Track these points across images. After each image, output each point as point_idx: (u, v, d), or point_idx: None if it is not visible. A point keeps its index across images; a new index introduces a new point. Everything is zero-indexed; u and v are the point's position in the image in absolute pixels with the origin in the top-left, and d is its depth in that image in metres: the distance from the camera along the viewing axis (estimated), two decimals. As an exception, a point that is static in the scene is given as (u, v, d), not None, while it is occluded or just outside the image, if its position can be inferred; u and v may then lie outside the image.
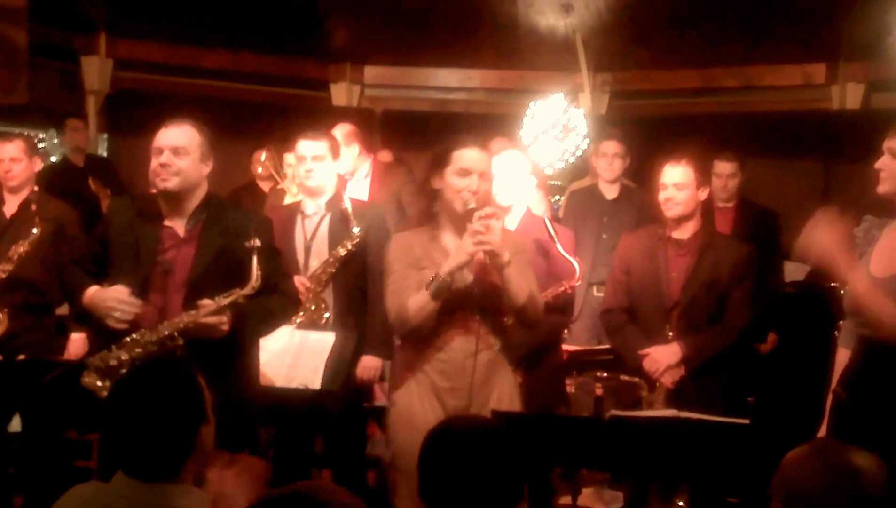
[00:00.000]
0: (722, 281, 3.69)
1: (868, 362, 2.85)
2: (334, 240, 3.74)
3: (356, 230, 3.68)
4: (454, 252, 2.93)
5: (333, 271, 3.72)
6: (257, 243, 2.89)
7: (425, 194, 3.05)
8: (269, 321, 3.08)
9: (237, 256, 2.93)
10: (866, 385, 2.86)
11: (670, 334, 3.70)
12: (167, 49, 6.45)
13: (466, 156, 2.99)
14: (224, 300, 2.85)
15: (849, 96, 6.22)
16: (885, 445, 2.63)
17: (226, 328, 2.87)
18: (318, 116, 6.40)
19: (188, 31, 6.25)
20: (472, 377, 2.98)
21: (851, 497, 1.86)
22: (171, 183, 2.96)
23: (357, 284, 3.71)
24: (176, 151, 2.96)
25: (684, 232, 3.75)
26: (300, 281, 3.70)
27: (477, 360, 2.99)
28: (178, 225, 3.02)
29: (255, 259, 2.88)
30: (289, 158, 5.64)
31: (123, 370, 2.84)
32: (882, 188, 2.87)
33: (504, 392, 3.08)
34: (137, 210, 3.08)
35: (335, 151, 3.86)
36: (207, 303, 2.85)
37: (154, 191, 3.08)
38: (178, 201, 3.01)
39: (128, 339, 2.88)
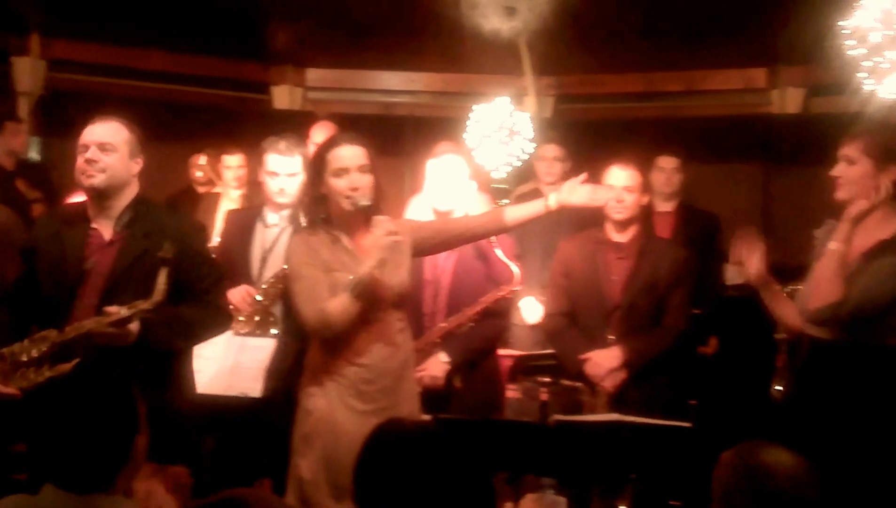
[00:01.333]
0: (661, 284, 3.72)
1: (818, 367, 2.89)
2: None
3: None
4: (371, 251, 2.91)
5: (283, 285, 3.65)
6: (168, 254, 2.79)
7: (314, 201, 3.02)
8: (195, 335, 2.99)
9: (157, 262, 2.83)
10: (809, 386, 2.91)
11: (611, 337, 3.72)
12: (103, 50, 6.27)
13: (339, 155, 2.97)
14: (126, 312, 2.75)
15: (789, 100, 6.32)
16: (822, 444, 2.69)
17: (131, 338, 2.78)
18: (259, 120, 6.31)
19: (125, 31, 6.07)
20: (390, 380, 3.01)
21: (761, 496, 1.90)
22: (98, 180, 2.88)
23: None
24: (103, 148, 2.88)
25: (624, 236, 3.77)
26: (247, 291, 3.63)
27: (395, 361, 3.02)
28: (104, 227, 2.95)
29: (163, 272, 2.77)
30: (228, 159, 5.53)
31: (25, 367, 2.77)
32: (840, 195, 2.94)
33: (413, 393, 3.13)
34: (64, 218, 3.01)
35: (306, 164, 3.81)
36: (113, 311, 2.76)
37: (79, 196, 3.01)
38: (105, 201, 2.93)
39: (35, 337, 2.80)
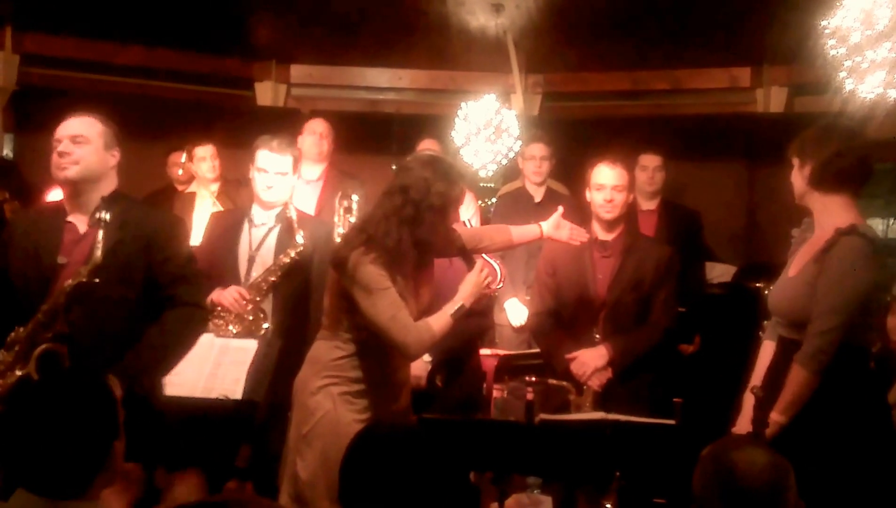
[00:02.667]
0: (646, 282, 3.72)
1: (786, 360, 2.92)
2: (281, 252, 3.66)
3: (300, 239, 3.61)
4: (472, 286, 3.08)
5: (274, 279, 3.62)
6: (106, 216, 2.80)
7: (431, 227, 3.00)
8: (178, 352, 2.95)
9: (131, 252, 2.85)
10: (780, 383, 2.93)
11: (597, 335, 3.71)
12: (79, 44, 6.13)
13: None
14: (71, 281, 2.77)
15: (773, 99, 6.34)
16: (799, 441, 2.70)
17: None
18: (241, 116, 6.24)
19: (102, 25, 5.93)
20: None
21: (731, 494, 1.91)
22: (71, 172, 2.86)
23: (298, 296, 3.63)
24: (75, 140, 2.87)
25: (610, 234, 3.76)
26: (238, 292, 3.60)
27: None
28: (80, 221, 2.93)
29: (100, 234, 2.78)
30: (199, 151, 5.44)
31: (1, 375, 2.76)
32: (797, 197, 2.99)
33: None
34: (40, 213, 3.00)
35: (297, 164, 3.78)
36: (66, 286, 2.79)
37: (56, 192, 2.99)
38: (80, 194, 2.91)
39: (8, 341, 2.80)
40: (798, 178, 2.96)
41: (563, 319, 3.81)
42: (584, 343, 3.72)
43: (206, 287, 3.64)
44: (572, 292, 3.77)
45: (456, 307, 3.02)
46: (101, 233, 2.79)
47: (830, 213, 2.90)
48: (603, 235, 3.77)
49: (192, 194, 5.39)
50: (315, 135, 5.01)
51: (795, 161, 2.97)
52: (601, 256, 3.76)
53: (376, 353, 2.98)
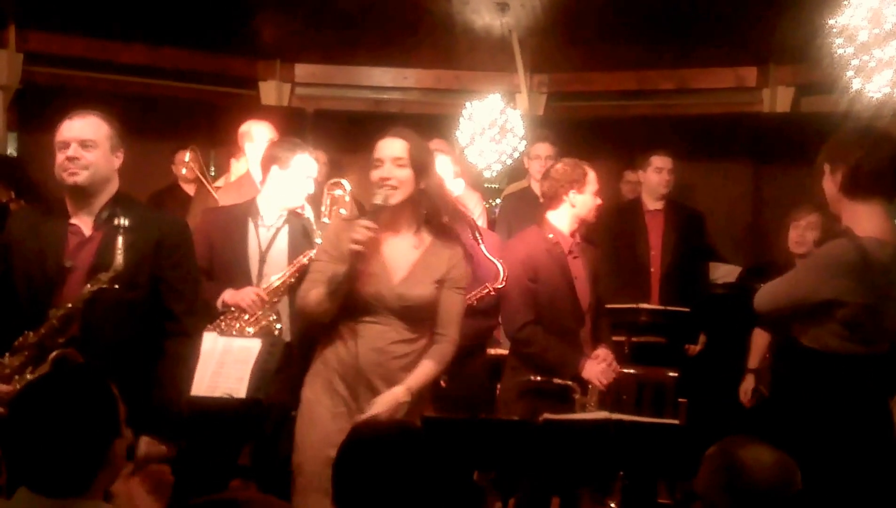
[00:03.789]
0: (599, 279, 3.78)
1: (784, 361, 2.93)
2: (295, 252, 3.64)
3: (320, 241, 3.61)
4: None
5: (294, 281, 3.62)
6: (124, 222, 2.77)
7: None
8: (184, 381, 2.96)
9: (139, 254, 2.82)
10: (784, 383, 2.94)
11: (583, 337, 3.71)
12: (82, 42, 6.14)
13: (379, 145, 2.97)
14: (88, 288, 2.75)
15: (779, 99, 6.33)
16: (801, 439, 2.70)
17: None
18: (246, 115, 6.24)
19: (106, 23, 5.95)
20: (369, 383, 2.96)
21: (737, 492, 1.90)
22: (81, 177, 2.82)
23: None
24: (84, 144, 2.83)
25: (574, 236, 3.78)
26: (257, 293, 3.59)
27: (382, 368, 2.97)
28: (84, 223, 2.89)
29: (119, 240, 2.75)
30: (250, 147, 5.33)
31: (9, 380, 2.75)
32: (829, 204, 2.94)
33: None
34: (42, 214, 2.96)
35: None
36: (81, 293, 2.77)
37: (63, 189, 2.96)
38: (86, 197, 2.88)
39: (15, 346, 2.77)
40: (829, 184, 2.84)
41: (550, 324, 3.69)
42: (574, 346, 3.71)
43: (209, 289, 3.65)
44: (560, 297, 3.69)
45: (330, 281, 2.94)
46: (120, 239, 2.75)
47: (858, 220, 2.79)
48: (572, 236, 3.79)
49: (207, 190, 5.32)
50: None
51: (826, 167, 2.85)
52: (572, 257, 3.75)
53: (318, 333, 3.00)
